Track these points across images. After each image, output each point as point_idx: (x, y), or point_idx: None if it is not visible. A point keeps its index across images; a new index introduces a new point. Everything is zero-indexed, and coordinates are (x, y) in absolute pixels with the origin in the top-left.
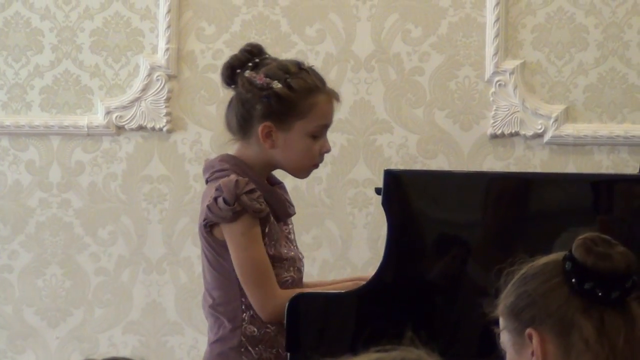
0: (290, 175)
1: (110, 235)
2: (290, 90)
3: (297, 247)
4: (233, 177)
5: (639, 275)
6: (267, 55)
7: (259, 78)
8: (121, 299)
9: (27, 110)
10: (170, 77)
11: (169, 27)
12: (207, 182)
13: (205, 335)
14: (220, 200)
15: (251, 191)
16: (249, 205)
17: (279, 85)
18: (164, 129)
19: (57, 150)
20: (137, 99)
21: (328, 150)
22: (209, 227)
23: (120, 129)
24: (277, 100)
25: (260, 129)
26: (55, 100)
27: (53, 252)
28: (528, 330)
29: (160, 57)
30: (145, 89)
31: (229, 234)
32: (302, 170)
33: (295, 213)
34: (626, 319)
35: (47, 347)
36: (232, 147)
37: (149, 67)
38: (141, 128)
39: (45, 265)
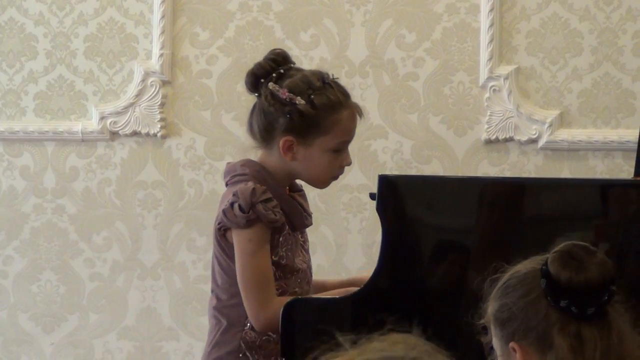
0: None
1: (105, 240)
2: (313, 108)
3: (309, 256)
4: (250, 184)
5: (625, 280)
6: (292, 65)
7: (283, 92)
8: (116, 305)
9: (21, 116)
10: (164, 83)
11: (163, 32)
12: (226, 185)
13: (200, 341)
14: (236, 206)
15: (267, 200)
16: (264, 215)
17: (302, 102)
18: (158, 134)
19: (51, 156)
20: (131, 105)
21: (349, 164)
22: (222, 231)
23: (114, 134)
24: (299, 116)
25: (281, 142)
26: (50, 106)
27: (48, 258)
28: (511, 344)
29: (155, 63)
30: (139, 95)
31: (238, 238)
32: (321, 183)
33: (311, 224)
34: (603, 330)
35: (41, 352)
36: (256, 153)
37: (143, 72)
38: (135, 134)
39: (39, 270)
